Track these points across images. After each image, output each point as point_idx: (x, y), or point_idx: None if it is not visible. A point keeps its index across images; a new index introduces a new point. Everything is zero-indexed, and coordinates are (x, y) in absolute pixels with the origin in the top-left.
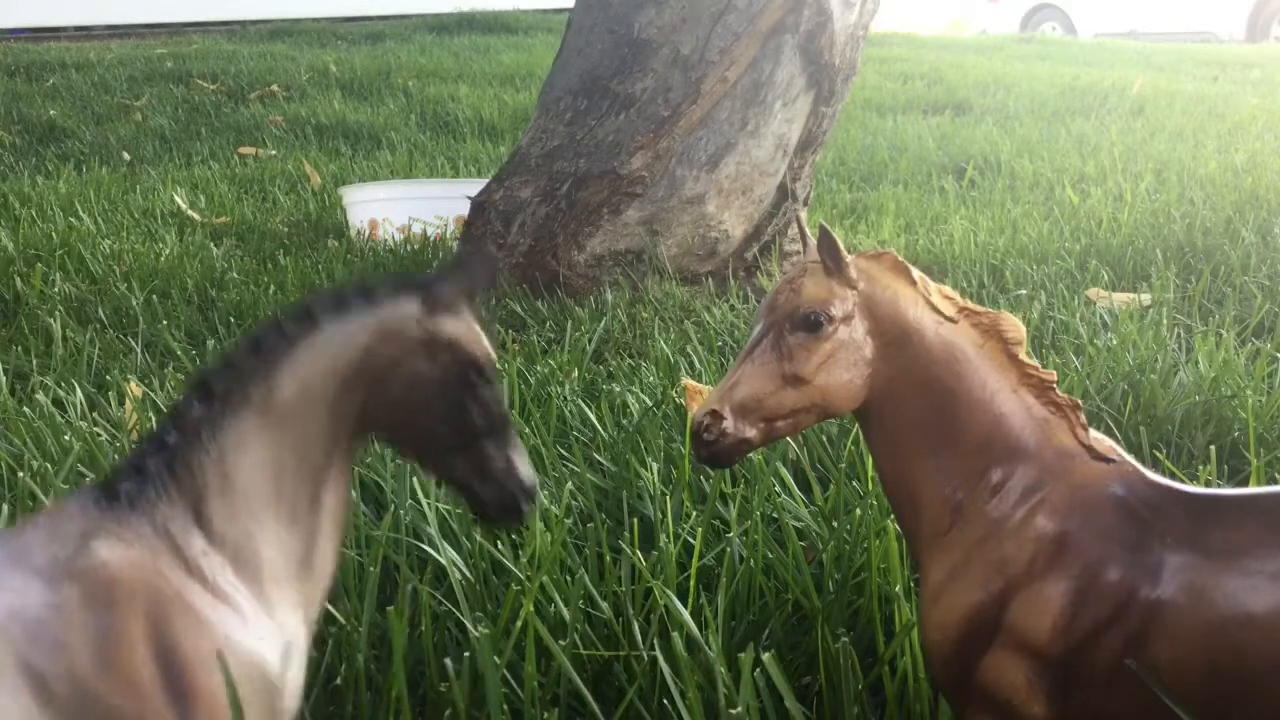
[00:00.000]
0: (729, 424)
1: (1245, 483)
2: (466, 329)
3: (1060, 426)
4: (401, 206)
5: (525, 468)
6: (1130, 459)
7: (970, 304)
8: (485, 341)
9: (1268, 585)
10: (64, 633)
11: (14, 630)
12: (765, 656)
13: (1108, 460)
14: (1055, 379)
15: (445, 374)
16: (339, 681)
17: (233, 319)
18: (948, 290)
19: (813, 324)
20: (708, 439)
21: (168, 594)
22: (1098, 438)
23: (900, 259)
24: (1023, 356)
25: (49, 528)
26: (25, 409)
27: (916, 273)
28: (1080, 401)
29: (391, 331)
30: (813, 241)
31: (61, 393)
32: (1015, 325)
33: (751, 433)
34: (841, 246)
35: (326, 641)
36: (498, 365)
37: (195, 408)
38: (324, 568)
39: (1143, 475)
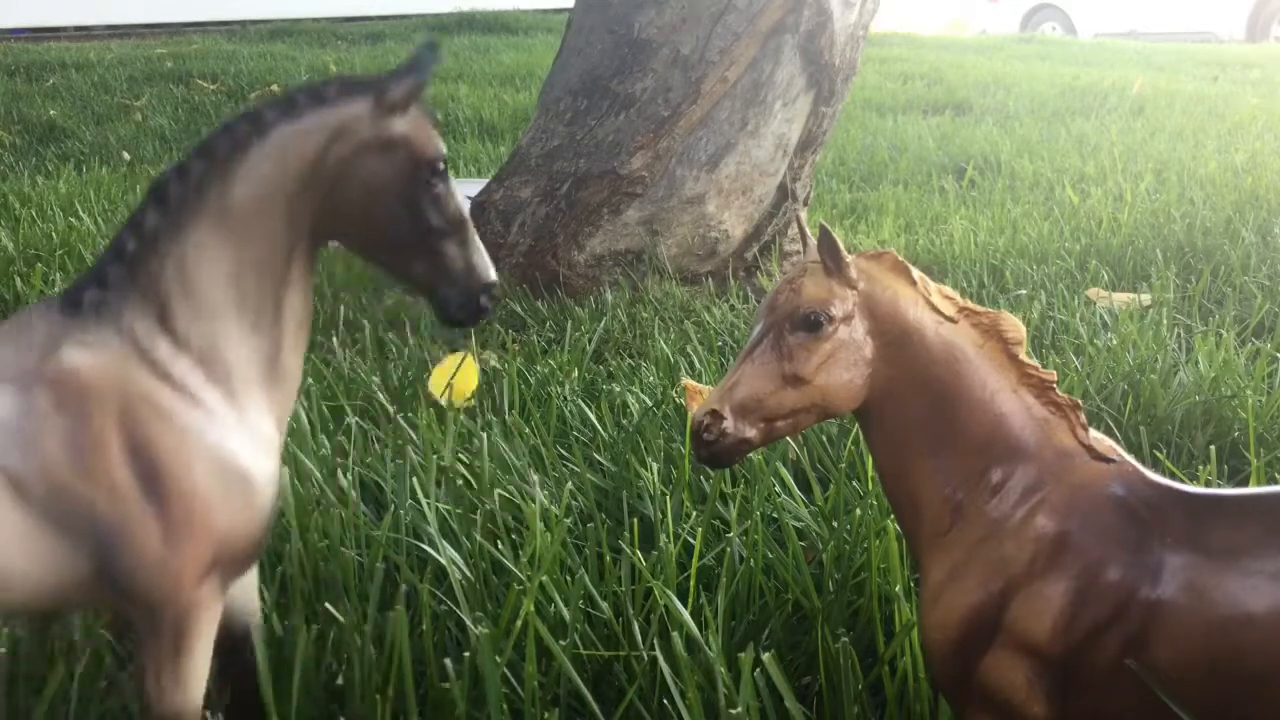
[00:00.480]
0: (729, 424)
1: (1245, 483)
2: (419, 127)
3: (1060, 426)
4: None
5: (485, 267)
6: (1130, 459)
7: (970, 304)
8: (438, 139)
9: (1268, 585)
10: (38, 436)
11: None
12: (765, 656)
13: (1108, 460)
14: (1055, 379)
15: (399, 172)
16: (340, 681)
17: None
18: (948, 290)
19: (813, 324)
20: (708, 439)
21: (138, 396)
22: (1098, 438)
23: (900, 259)
24: (1023, 356)
25: (14, 338)
26: None
27: (916, 273)
28: (1080, 401)
29: (344, 131)
30: (813, 241)
31: None
32: (1015, 325)
33: (751, 433)
34: (841, 246)
35: (328, 641)
36: (448, 167)
37: (152, 216)
38: (292, 373)
39: (1143, 475)
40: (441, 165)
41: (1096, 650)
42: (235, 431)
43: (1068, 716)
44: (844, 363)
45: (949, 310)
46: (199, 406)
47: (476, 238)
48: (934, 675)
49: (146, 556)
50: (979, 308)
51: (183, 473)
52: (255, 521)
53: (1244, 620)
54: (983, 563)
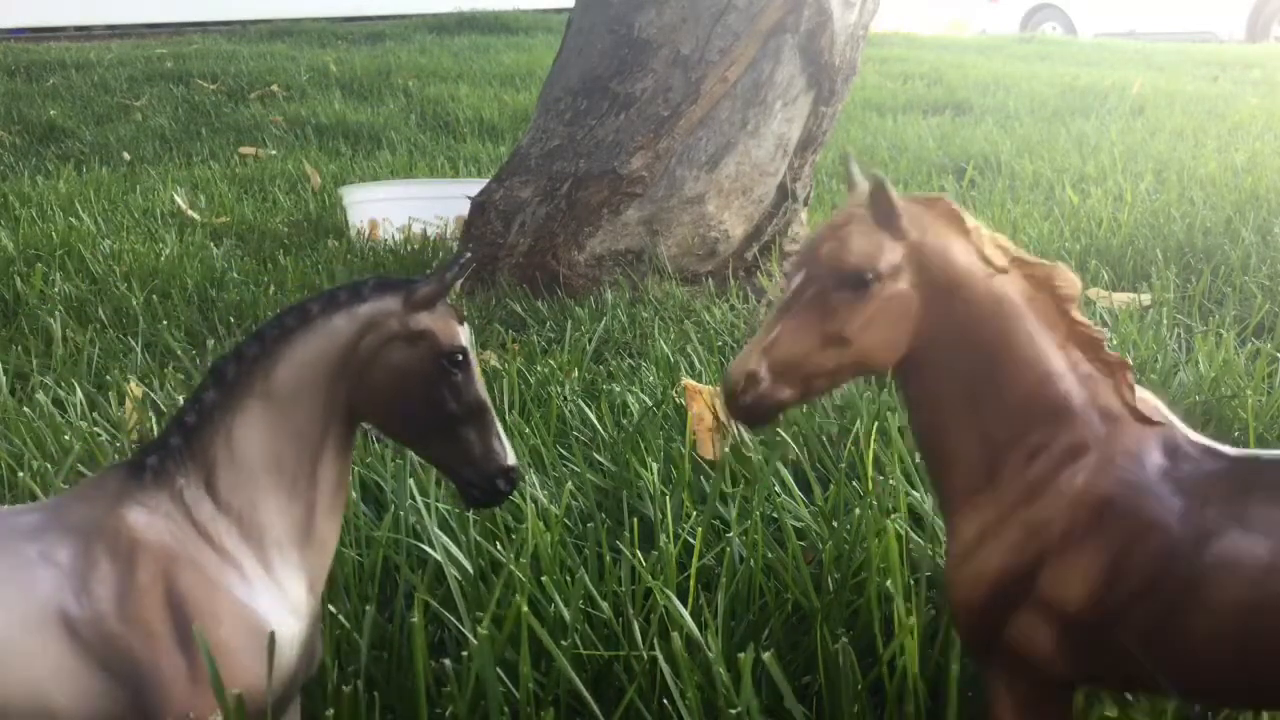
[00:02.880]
0: (766, 385)
1: None
2: (442, 322)
3: (1105, 386)
4: (401, 206)
5: (504, 452)
6: (1175, 420)
7: (1025, 254)
8: (460, 334)
9: None
10: (92, 583)
11: (50, 578)
12: (765, 656)
13: (1152, 422)
14: (1105, 337)
15: (421, 363)
16: (338, 681)
17: (233, 319)
18: (1002, 239)
19: (859, 282)
20: (744, 401)
21: (180, 554)
22: (1143, 398)
23: (954, 206)
24: (1074, 312)
25: (90, 493)
26: (25, 409)
27: (970, 220)
28: (1129, 361)
29: (373, 324)
30: (860, 184)
31: (61, 393)
32: (1071, 280)
33: (788, 393)
34: (896, 201)
35: (326, 641)
36: (474, 357)
37: (210, 393)
38: (325, 537)
39: (1187, 438)
40: (460, 356)
41: (1130, 618)
42: (263, 591)
43: (1092, 678)
44: (889, 319)
45: (1001, 261)
46: (232, 565)
47: (497, 425)
48: (959, 631)
49: (173, 700)
50: (1034, 259)
51: (211, 625)
52: (278, 679)
53: None
54: (1018, 524)
